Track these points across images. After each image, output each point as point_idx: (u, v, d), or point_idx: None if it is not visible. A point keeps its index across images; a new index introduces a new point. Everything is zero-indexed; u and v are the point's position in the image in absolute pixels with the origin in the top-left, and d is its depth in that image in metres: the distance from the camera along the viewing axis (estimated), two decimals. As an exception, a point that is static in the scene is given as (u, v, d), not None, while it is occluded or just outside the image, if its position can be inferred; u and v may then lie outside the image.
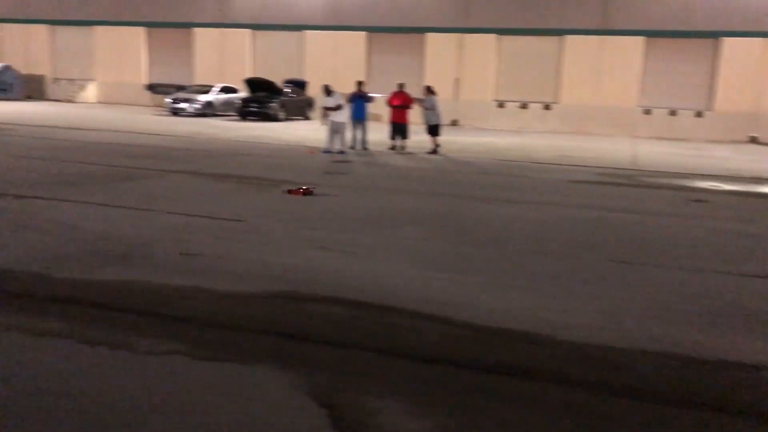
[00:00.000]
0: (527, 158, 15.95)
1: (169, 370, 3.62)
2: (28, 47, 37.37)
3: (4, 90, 32.89)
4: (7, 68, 33.54)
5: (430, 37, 29.18)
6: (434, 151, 16.25)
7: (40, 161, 11.78)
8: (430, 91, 16.89)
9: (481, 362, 3.93)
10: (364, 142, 16.50)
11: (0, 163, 11.32)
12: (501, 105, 28.36)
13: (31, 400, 3.23)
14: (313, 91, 29.86)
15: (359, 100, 16.37)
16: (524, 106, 28.03)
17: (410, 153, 16.08)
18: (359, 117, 16.38)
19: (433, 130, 16.57)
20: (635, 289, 5.49)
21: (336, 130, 15.59)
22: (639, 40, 26.22)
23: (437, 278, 5.57)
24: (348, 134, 16.02)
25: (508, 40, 28.24)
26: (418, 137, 17.08)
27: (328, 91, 15.94)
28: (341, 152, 15.29)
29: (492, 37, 28.27)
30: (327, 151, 15.38)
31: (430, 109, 16.60)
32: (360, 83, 17.05)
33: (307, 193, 9.45)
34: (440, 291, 5.23)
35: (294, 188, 9.59)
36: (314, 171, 12.21)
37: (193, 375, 3.59)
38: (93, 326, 4.20)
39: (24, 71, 35.28)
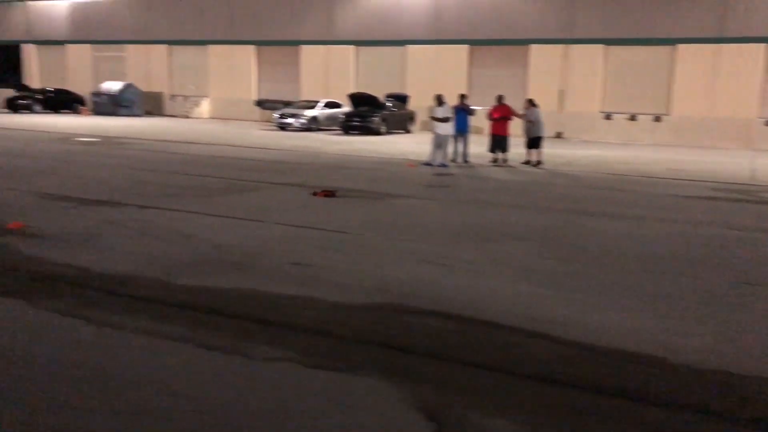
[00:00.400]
0: (636, 172, 15.35)
1: (280, 377, 3.74)
2: (148, 66, 39.88)
3: (127, 107, 35.19)
4: (129, 86, 35.90)
5: (534, 48, 28.74)
6: (537, 164, 15.98)
7: (159, 173, 12.52)
8: (532, 103, 16.63)
9: (593, 383, 3.80)
10: (465, 155, 16.45)
11: (123, 175, 12.12)
12: (608, 117, 27.48)
13: (152, 401, 3.42)
14: (414, 104, 30.12)
15: (461, 113, 16.35)
16: (632, 117, 27.03)
17: (511, 166, 15.87)
18: (461, 130, 16.35)
19: (535, 142, 16.30)
20: (757, 313, 5.14)
21: (439, 142, 15.62)
22: (759, 48, 24.70)
23: (543, 295, 5.45)
24: (449, 147, 16.01)
25: (615, 50, 27.37)
26: (518, 150, 16.84)
27: (439, 102, 15.96)
28: (443, 165, 15.30)
29: (599, 47, 27.50)
30: (428, 164, 15.43)
31: (533, 121, 16.34)
32: (462, 96, 17.03)
33: (329, 194, 10.15)
34: (547, 308, 5.11)
35: (319, 190, 10.34)
36: (415, 184, 12.28)
37: (304, 382, 3.69)
38: (209, 331, 4.40)
39: (144, 89, 37.64)
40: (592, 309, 5.13)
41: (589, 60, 27.70)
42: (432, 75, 31.09)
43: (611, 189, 12.49)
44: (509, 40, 29.30)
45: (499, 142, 16.56)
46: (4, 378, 3.60)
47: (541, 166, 15.84)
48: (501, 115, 16.62)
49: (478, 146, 17.40)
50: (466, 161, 16.35)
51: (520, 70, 29.11)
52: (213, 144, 19.64)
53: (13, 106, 34.71)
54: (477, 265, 6.39)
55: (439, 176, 13.70)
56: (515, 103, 17.77)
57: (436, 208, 9.82)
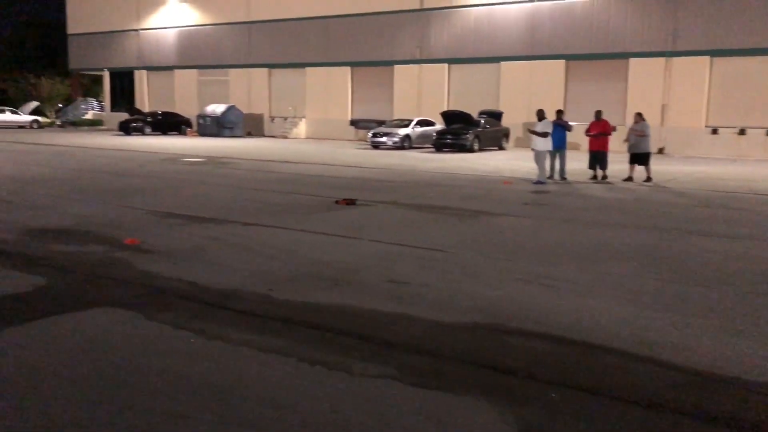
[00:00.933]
0: (748, 189, 14.50)
1: (380, 393, 3.77)
2: (249, 89, 41.54)
3: (230, 128, 36.77)
4: (232, 108, 37.51)
5: (634, 62, 27.86)
6: (647, 180, 15.47)
7: (259, 192, 12.98)
8: (641, 117, 16.10)
9: (706, 413, 3.60)
10: (562, 171, 16.09)
11: (226, 194, 12.64)
12: (714, 131, 26.18)
13: (259, 413, 3.53)
14: (509, 121, 29.80)
15: (558, 128, 16.03)
16: (742, 132, 25.62)
17: (611, 183, 15.38)
18: (558, 146, 16.02)
19: (643, 158, 15.74)
20: None
21: (537, 158, 15.38)
22: None
23: (650, 317, 5.22)
24: (546, 164, 15.72)
25: (721, 62, 26.10)
26: (617, 166, 16.29)
27: (540, 117, 15.76)
28: (539, 182, 15.05)
29: (704, 59, 26.31)
30: (540, 182, 15.16)
31: (643, 135, 15.77)
32: (559, 112, 16.71)
33: (350, 203, 11.11)
34: (654, 331, 4.89)
35: (340, 199, 11.38)
36: (512, 201, 12.12)
37: (404, 400, 3.69)
38: (311, 346, 4.50)
39: (245, 111, 39.22)
40: (704, 333, 4.87)
41: (694, 72, 26.55)
42: (527, 91, 30.71)
43: (720, 207, 11.85)
44: (607, 54, 28.56)
45: (598, 159, 16.12)
46: (123, 388, 3.81)
47: (648, 183, 15.28)
48: (600, 130, 16.18)
49: (577, 163, 16.98)
50: (563, 178, 15.99)
51: (619, 85, 28.26)
52: (310, 163, 20.17)
53: (125, 128, 37.03)
54: (579, 285, 6.21)
55: (536, 194, 13.46)
56: (614, 119, 17.24)
57: (534, 226, 9.65)
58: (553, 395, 3.76)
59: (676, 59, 26.79)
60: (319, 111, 38.95)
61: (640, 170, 15.78)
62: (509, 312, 5.30)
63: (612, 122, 16.65)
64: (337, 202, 11.32)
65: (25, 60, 57.97)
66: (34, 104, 52.95)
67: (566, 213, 10.98)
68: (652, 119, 25.25)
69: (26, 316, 5.01)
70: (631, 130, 16.00)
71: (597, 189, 14.51)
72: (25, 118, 46.94)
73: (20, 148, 24.89)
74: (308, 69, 38.93)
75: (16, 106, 51.43)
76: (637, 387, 3.92)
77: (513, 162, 21.13)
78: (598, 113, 16.57)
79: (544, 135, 15.35)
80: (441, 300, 5.61)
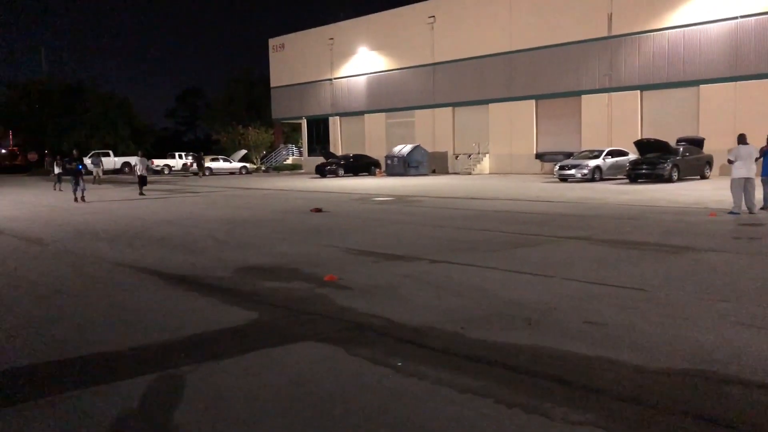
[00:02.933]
0: None
1: (583, 442, 3.59)
2: (434, 128, 42.59)
3: (415, 167, 37.85)
4: (417, 148, 38.65)
5: None
6: None
7: (447, 229, 13.15)
8: None
9: None
10: (777, 201, 14.51)
11: (415, 231, 12.97)
12: None
13: (460, 452, 3.52)
14: (711, 147, 27.52)
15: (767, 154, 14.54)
16: None
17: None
18: (768, 173, 14.52)
19: None
20: None
21: (737, 187, 14.05)
22: None
23: None
24: (758, 193, 14.27)
25: None
26: None
27: (740, 141, 14.49)
28: (732, 213, 13.77)
29: None
30: (733, 213, 13.91)
31: None
32: (770, 136, 15.16)
33: (317, 210, 13.04)
34: None
35: (314, 208, 12.93)
36: (718, 235, 11.11)
37: (610, 450, 3.49)
38: (507, 387, 4.42)
39: (430, 149, 40.20)
40: None
41: None
42: (731, 114, 28.25)
43: None
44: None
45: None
46: (327, 419, 4.01)
47: None
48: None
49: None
50: (777, 208, 14.40)
51: None
52: (495, 199, 20.10)
53: (321, 171, 39.59)
54: (808, 330, 5.51)
55: (746, 226, 12.23)
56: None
57: (745, 262, 8.75)
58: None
59: None
60: (503, 146, 38.83)
61: None
62: (725, 358, 4.82)
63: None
64: (311, 210, 13.66)
65: (234, 113, 64.51)
66: (242, 152, 58.65)
67: (787, 248, 9.84)
68: None
69: (242, 348, 5.48)
70: None
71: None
72: (235, 165, 52.07)
73: (232, 193, 27.58)
74: (491, 105, 39.08)
75: (227, 154, 57.29)
76: None
77: (718, 192, 19.42)
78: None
79: (732, 161, 14.15)
80: (645, 344, 5.25)
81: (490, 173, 38.60)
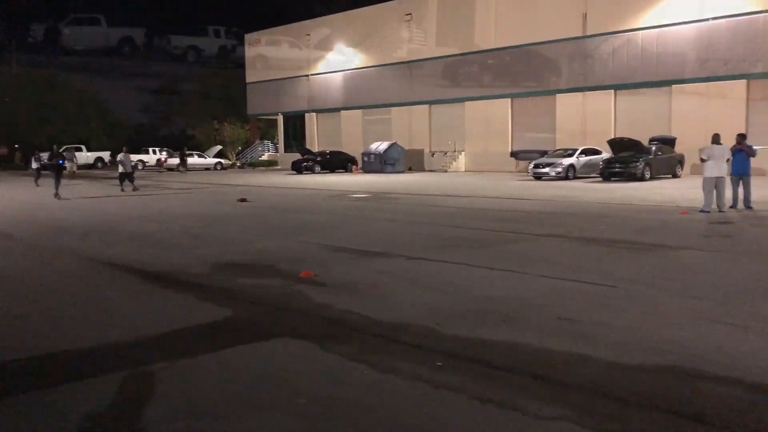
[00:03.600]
0: None
1: (557, 436, 3.63)
2: (410, 126, 42.64)
3: (392, 164, 37.86)
4: (394, 145, 38.65)
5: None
6: None
7: (423, 225, 13.18)
8: None
9: None
10: (747, 200, 14.75)
11: (391, 228, 12.98)
12: None
13: (436, 447, 3.53)
14: (684, 146, 27.94)
15: (740, 154, 14.79)
16: None
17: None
18: (741, 173, 14.77)
19: None
20: None
21: (709, 186, 14.31)
22: None
23: None
24: (728, 192, 14.52)
25: None
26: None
27: (714, 141, 14.77)
28: (703, 211, 14.02)
29: None
30: (704, 211, 14.14)
31: None
32: (740, 136, 15.41)
33: (243, 200, 13.39)
34: None
35: (240, 198, 13.25)
36: (689, 233, 11.29)
37: (583, 445, 3.53)
38: (482, 383, 4.45)
39: (407, 147, 40.24)
40: None
41: None
42: (702, 115, 28.70)
43: None
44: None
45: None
46: (305, 419, 4.00)
47: None
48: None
49: (764, 190, 15.50)
50: (748, 207, 14.66)
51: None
52: (471, 196, 20.19)
53: (298, 167, 39.42)
54: (776, 326, 5.62)
55: (717, 224, 12.44)
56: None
57: (716, 260, 8.91)
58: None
59: None
60: (478, 144, 39.03)
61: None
62: (696, 354, 4.90)
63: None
64: (238, 200, 14.95)
65: (210, 108, 63.92)
66: (217, 148, 58.13)
67: (753, 245, 10.03)
68: None
69: (217, 344, 5.43)
70: None
71: (791, 218, 13.15)
72: (210, 160, 51.63)
73: (208, 189, 27.34)
74: (467, 103, 39.24)
75: (202, 150, 56.76)
76: None
77: (689, 190, 19.72)
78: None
79: (704, 160, 14.43)
80: (618, 340, 5.32)
81: (465, 171, 38.77)
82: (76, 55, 69.93)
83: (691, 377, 4.48)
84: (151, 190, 26.93)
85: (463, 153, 39.57)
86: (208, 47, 77.89)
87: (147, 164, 53.08)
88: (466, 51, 38.88)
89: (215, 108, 64.04)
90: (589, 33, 33.17)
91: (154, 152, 54.92)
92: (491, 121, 38.12)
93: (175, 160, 49.00)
